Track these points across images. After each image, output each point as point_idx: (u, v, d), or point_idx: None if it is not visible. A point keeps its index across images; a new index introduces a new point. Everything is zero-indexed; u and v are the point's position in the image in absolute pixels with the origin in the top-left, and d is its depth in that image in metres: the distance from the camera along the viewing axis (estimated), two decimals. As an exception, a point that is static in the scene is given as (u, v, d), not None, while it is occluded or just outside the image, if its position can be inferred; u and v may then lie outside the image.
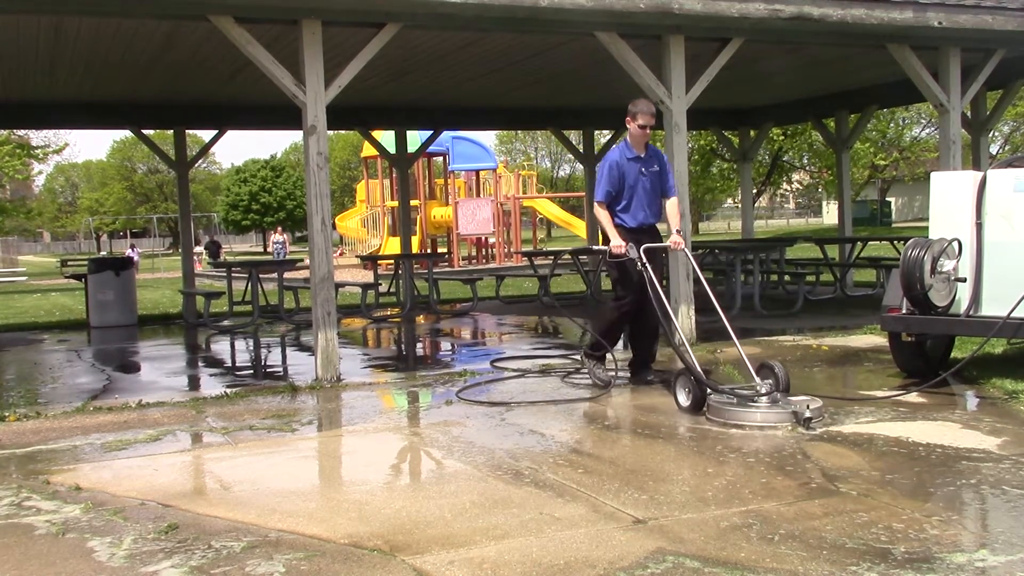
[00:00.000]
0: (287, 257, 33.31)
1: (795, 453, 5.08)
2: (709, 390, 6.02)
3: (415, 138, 19.71)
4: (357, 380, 8.00)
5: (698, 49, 9.08)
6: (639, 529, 3.94)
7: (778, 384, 5.92)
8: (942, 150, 10.53)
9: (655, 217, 7.19)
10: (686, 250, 7.41)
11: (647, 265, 6.65)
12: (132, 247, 40.36)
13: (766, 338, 9.47)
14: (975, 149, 13.75)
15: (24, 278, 33.69)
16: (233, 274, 14.54)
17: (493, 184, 32.85)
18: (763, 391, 5.85)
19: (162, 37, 9.17)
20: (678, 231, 7.12)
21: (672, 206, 7.22)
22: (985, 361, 7.57)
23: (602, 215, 7.05)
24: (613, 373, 7.27)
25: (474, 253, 32.33)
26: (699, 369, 6.18)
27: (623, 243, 6.81)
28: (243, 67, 10.07)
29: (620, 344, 7.88)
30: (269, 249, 34.71)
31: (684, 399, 6.17)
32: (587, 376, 7.91)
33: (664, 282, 7.01)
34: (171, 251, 60.43)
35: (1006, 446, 5.11)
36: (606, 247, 6.92)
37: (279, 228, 38.55)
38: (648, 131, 7.04)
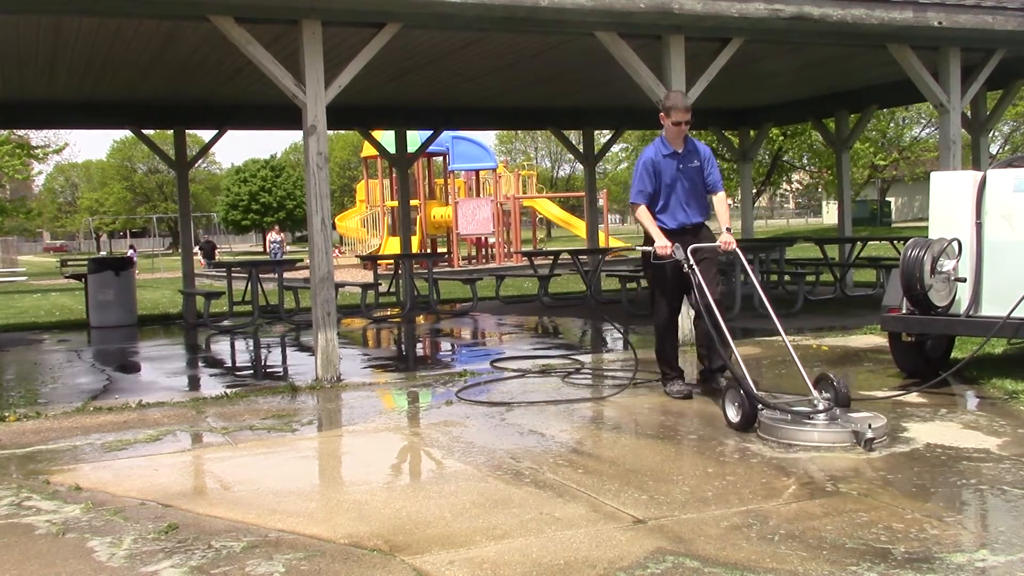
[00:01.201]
0: (284, 257, 33.14)
1: (794, 451, 5.08)
2: (761, 406, 5.52)
3: (415, 138, 19.71)
4: (357, 380, 8.00)
5: (698, 49, 9.08)
6: (639, 529, 3.94)
7: (837, 399, 5.41)
8: (942, 150, 10.53)
9: (700, 216, 6.70)
10: (738, 250, 6.71)
11: (695, 267, 6.20)
12: (131, 247, 40.27)
13: (766, 338, 9.47)
14: (975, 149, 13.75)
15: (24, 278, 33.69)
16: (233, 274, 14.54)
17: (493, 184, 32.86)
18: (820, 407, 5.36)
19: (162, 37, 9.17)
20: (728, 229, 6.57)
21: (719, 202, 6.72)
22: (985, 361, 7.57)
23: (643, 215, 6.59)
24: (685, 387, 6.75)
25: (474, 253, 32.33)
26: (750, 382, 5.61)
27: (668, 243, 6.36)
28: (243, 67, 10.08)
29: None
30: (267, 248, 34.30)
31: (734, 414, 5.62)
32: (587, 376, 7.92)
33: (718, 287, 6.52)
34: (171, 251, 60.45)
35: (1006, 446, 5.11)
36: (651, 248, 6.49)
37: (276, 227, 38.30)
38: (684, 127, 6.63)
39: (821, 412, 5.32)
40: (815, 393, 5.50)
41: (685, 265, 6.22)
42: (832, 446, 5.10)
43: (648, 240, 6.59)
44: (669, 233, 6.51)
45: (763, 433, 5.39)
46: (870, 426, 5.09)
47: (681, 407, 6.43)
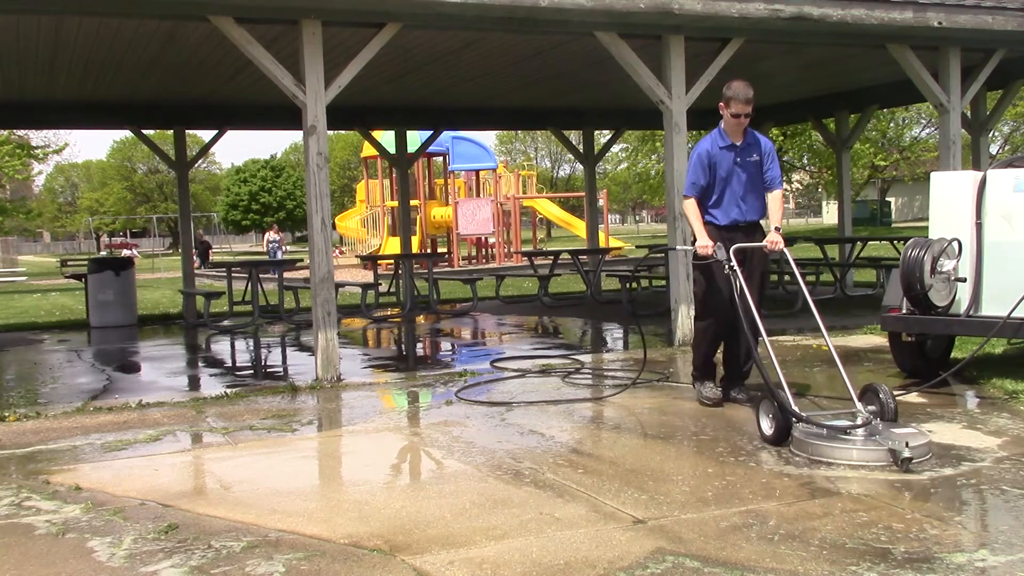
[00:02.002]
0: (283, 256, 32.92)
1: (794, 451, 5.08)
2: (795, 419, 5.14)
3: (415, 138, 19.71)
4: (357, 380, 8.00)
5: (698, 49, 9.09)
6: (639, 529, 3.94)
7: (882, 412, 5.08)
8: (942, 150, 10.54)
9: (755, 214, 6.28)
10: (786, 251, 6.18)
11: (736, 268, 5.80)
12: (131, 247, 40.14)
13: (766, 338, 9.45)
14: (975, 149, 13.76)
15: (24, 278, 33.69)
16: (233, 274, 14.53)
17: (493, 184, 32.85)
18: (859, 421, 4.98)
19: (162, 37, 9.17)
20: (777, 229, 6.13)
21: (774, 200, 6.28)
22: (985, 361, 7.57)
23: (690, 211, 6.24)
24: (717, 392, 6.41)
25: (474, 253, 32.32)
26: (786, 393, 5.26)
27: (710, 243, 6.00)
28: (243, 67, 10.08)
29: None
30: (264, 247, 33.91)
31: (767, 427, 5.28)
32: (587, 376, 7.92)
33: (762, 290, 6.16)
34: (171, 251, 60.44)
35: (1006, 446, 5.11)
36: (692, 247, 6.14)
37: (274, 226, 37.98)
38: (744, 120, 6.17)
39: (859, 427, 4.93)
40: (859, 405, 5.11)
41: (726, 266, 5.86)
42: (867, 465, 4.72)
43: (693, 239, 6.29)
44: (720, 229, 6.15)
45: (795, 449, 5.03)
46: (907, 444, 4.67)
47: (681, 407, 6.43)
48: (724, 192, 6.22)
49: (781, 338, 9.46)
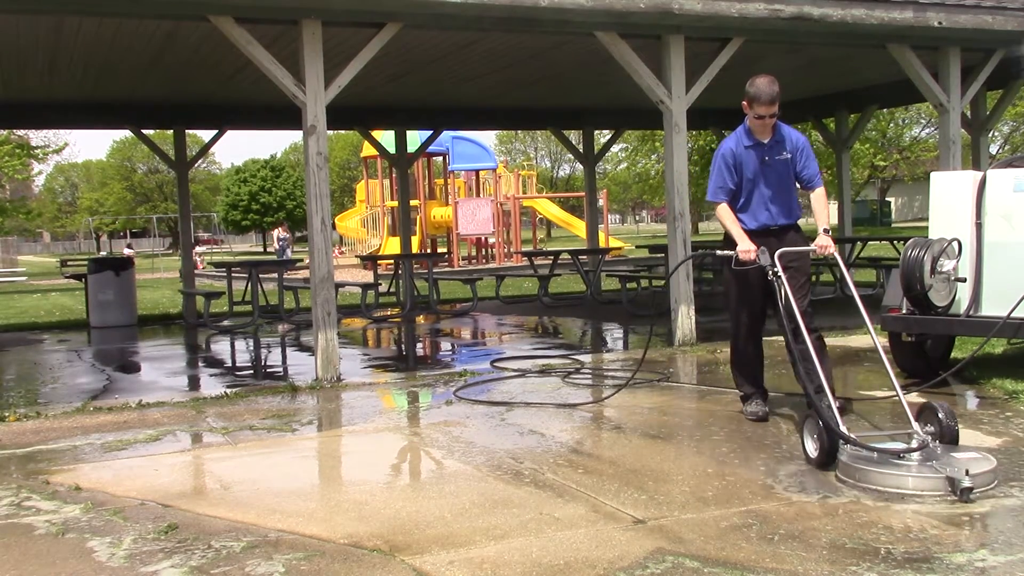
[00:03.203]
0: (291, 255, 32.53)
1: (793, 450, 5.08)
2: (842, 441, 4.63)
3: (415, 138, 19.71)
4: (357, 380, 8.00)
5: (698, 49, 9.09)
6: (639, 529, 3.94)
7: (941, 434, 4.63)
8: (942, 150, 10.54)
9: (787, 217, 5.82)
10: (836, 254, 5.63)
11: (782, 275, 5.31)
12: (129, 246, 39.97)
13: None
14: (975, 149, 13.76)
15: (24, 278, 33.69)
16: (233, 274, 14.53)
17: (493, 184, 32.85)
18: (914, 444, 4.48)
19: (162, 37, 9.17)
20: (826, 230, 5.58)
21: (817, 199, 5.79)
22: (985, 361, 7.57)
23: (724, 214, 5.75)
24: (763, 408, 5.96)
25: (474, 253, 32.32)
26: (832, 411, 4.74)
27: (752, 247, 5.49)
28: (243, 67, 10.08)
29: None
30: (273, 246, 33.25)
31: (812, 448, 4.77)
32: (587, 376, 7.92)
33: (806, 298, 5.67)
34: (171, 251, 60.41)
35: (1006, 446, 5.11)
36: (731, 252, 5.64)
37: (284, 224, 37.55)
38: (768, 121, 5.67)
39: (914, 450, 4.44)
40: (916, 426, 4.61)
41: (770, 272, 5.36)
42: (921, 494, 4.22)
43: (728, 242, 5.81)
44: (749, 235, 5.67)
45: (841, 474, 4.52)
46: (967, 472, 4.14)
47: (681, 407, 6.43)
48: (752, 195, 5.77)
49: (781, 338, 9.40)
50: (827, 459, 4.65)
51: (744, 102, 5.72)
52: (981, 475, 4.27)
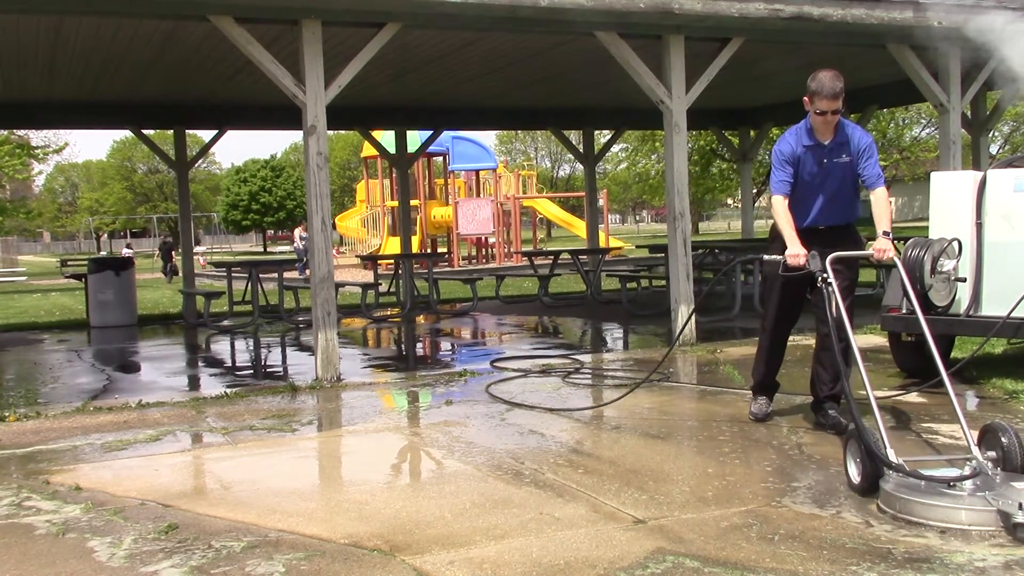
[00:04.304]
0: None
1: (793, 450, 5.08)
2: (885, 467, 4.18)
3: (415, 138, 19.71)
4: (357, 380, 8.00)
5: (698, 49, 9.09)
6: (639, 529, 3.94)
7: (1004, 460, 4.09)
8: (942, 150, 10.54)
9: (839, 218, 5.57)
10: (896, 259, 5.38)
11: (832, 282, 4.99)
12: (128, 246, 39.78)
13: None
14: (975, 149, 13.76)
15: (24, 278, 33.68)
16: (233, 274, 14.53)
17: (493, 184, 32.85)
18: (967, 472, 4.03)
19: (162, 37, 9.17)
20: (885, 233, 5.25)
21: (877, 200, 5.37)
22: (985, 361, 7.57)
23: (780, 213, 5.42)
24: (764, 406, 5.91)
25: (474, 253, 32.32)
26: (881, 432, 4.29)
27: (802, 252, 5.17)
28: (243, 67, 10.08)
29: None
30: (295, 244, 32.22)
31: (855, 473, 4.34)
32: (587, 376, 7.91)
33: (846, 301, 5.26)
34: (175, 250, 60.35)
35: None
36: (779, 257, 5.30)
37: (303, 223, 36.97)
38: (831, 117, 5.38)
39: (966, 479, 3.98)
40: (976, 451, 4.15)
41: (820, 279, 5.04)
42: (968, 529, 3.77)
43: (775, 239, 5.56)
44: (797, 233, 5.37)
45: (883, 504, 4.07)
46: (1021, 506, 3.66)
47: (681, 407, 6.43)
48: (806, 194, 5.51)
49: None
50: (870, 486, 4.22)
51: (805, 97, 5.45)
52: None
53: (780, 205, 5.43)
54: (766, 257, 5.50)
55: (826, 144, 5.45)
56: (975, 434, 4.29)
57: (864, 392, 4.58)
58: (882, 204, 5.39)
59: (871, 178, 5.45)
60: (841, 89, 5.34)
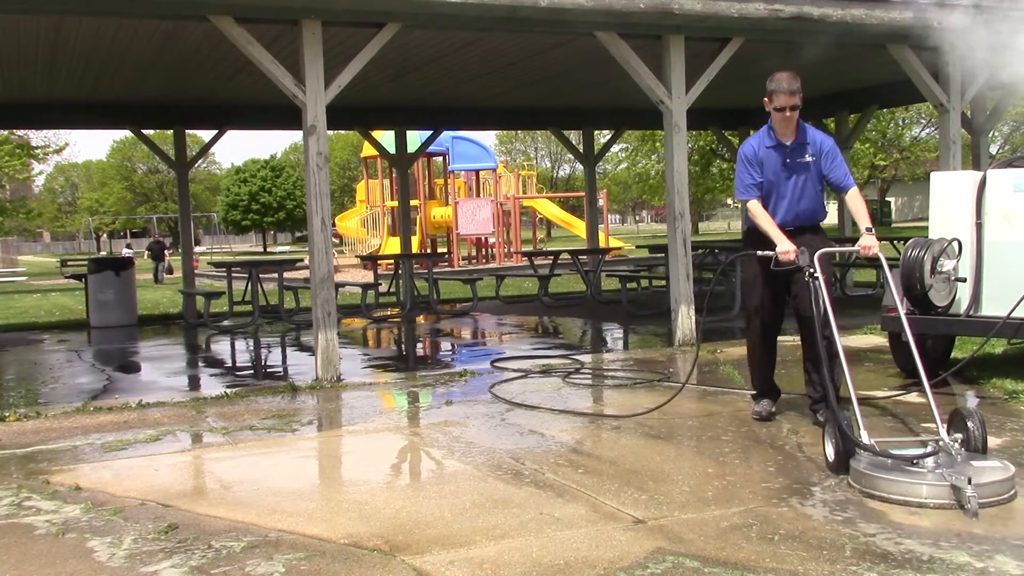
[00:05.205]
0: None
1: (793, 450, 5.08)
2: (856, 447, 4.52)
3: (415, 138, 19.71)
4: (357, 380, 8.00)
5: (698, 49, 9.09)
6: (639, 529, 3.94)
7: (968, 442, 4.46)
8: (942, 150, 10.54)
9: (807, 218, 5.70)
10: (881, 256, 5.46)
11: (819, 276, 5.17)
12: (128, 246, 39.78)
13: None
14: (975, 149, 13.74)
15: (24, 278, 33.69)
16: (233, 274, 14.53)
17: (493, 184, 32.84)
18: (928, 449, 4.35)
19: (162, 37, 9.17)
20: (869, 230, 5.38)
21: (852, 200, 5.61)
22: (985, 361, 7.57)
23: (757, 211, 5.57)
24: (769, 408, 5.92)
25: (474, 253, 32.32)
26: (856, 415, 4.66)
27: (792, 247, 5.33)
28: (243, 67, 10.08)
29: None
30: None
31: (830, 452, 4.69)
32: (588, 377, 7.92)
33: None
34: (171, 251, 60.38)
35: (1006, 446, 5.11)
36: (771, 252, 5.44)
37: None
38: (789, 114, 5.53)
39: (928, 456, 4.28)
40: (943, 433, 4.47)
41: (807, 273, 5.22)
42: (926, 502, 4.08)
43: (753, 239, 5.71)
44: (764, 237, 5.54)
45: (852, 480, 4.42)
46: (969, 481, 3.98)
47: (681, 407, 6.43)
48: (771, 195, 5.64)
49: (781, 338, 9.40)
50: (841, 464, 4.57)
51: (765, 99, 5.61)
52: (989, 485, 4.09)
53: (757, 207, 5.59)
54: (759, 253, 5.56)
55: (788, 144, 5.60)
56: (945, 417, 4.60)
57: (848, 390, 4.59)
58: (858, 202, 5.59)
59: (840, 179, 5.63)
60: (798, 88, 5.54)
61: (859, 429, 4.58)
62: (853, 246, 5.50)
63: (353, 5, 7.74)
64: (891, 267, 5.74)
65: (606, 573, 3.46)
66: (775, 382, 6.05)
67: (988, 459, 4.40)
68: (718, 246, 15.21)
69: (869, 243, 5.32)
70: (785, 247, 5.35)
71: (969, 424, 4.50)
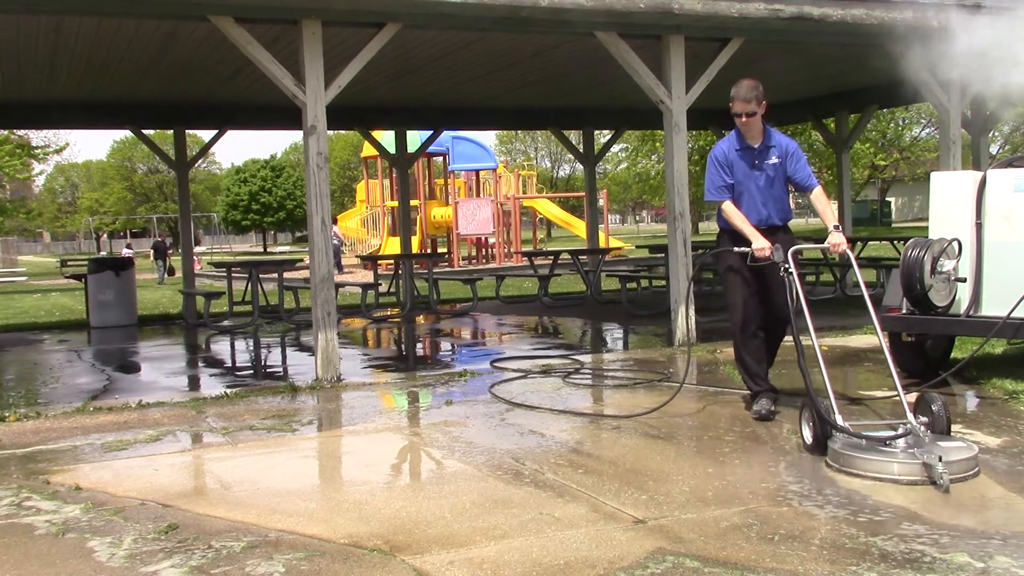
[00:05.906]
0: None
1: (793, 450, 5.08)
2: (832, 429, 4.85)
3: (415, 138, 19.71)
4: (357, 380, 8.00)
5: (698, 49, 9.09)
6: (639, 529, 3.94)
7: (933, 424, 4.82)
8: (942, 150, 10.53)
9: (778, 218, 5.98)
10: (849, 253, 5.69)
11: (794, 272, 5.46)
12: (128, 246, 39.79)
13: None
14: (975, 149, 13.75)
15: (24, 278, 33.69)
16: (233, 274, 14.53)
17: (493, 184, 32.85)
18: (899, 431, 4.69)
19: (162, 37, 9.17)
20: (836, 227, 5.63)
21: (817, 199, 5.91)
22: (985, 361, 7.57)
23: (731, 212, 5.86)
24: (769, 406, 5.93)
25: (474, 253, 32.32)
26: (830, 400, 4.96)
27: (767, 244, 5.62)
28: (243, 67, 10.08)
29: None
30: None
31: (808, 435, 5.03)
32: (588, 377, 7.92)
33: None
34: (171, 251, 60.38)
35: (1006, 446, 5.11)
36: (747, 249, 5.72)
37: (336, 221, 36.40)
38: (748, 120, 5.82)
39: (899, 437, 4.63)
40: (910, 416, 4.78)
41: (781, 269, 5.49)
42: (897, 478, 4.42)
43: (728, 239, 5.96)
44: (736, 235, 5.85)
45: (830, 460, 4.74)
46: (940, 459, 4.32)
47: (681, 407, 6.43)
48: (741, 197, 5.92)
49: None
50: (818, 446, 4.89)
51: (730, 103, 5.86)
52: (957, 463, 4.43)
53: (731, 208, 5.89)
54: (736, 249, 5.83)
55: (756, 147, 5.92)
56: (911, 402, 4.97)
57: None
58: (823, 201, 5.90)
59: (805, 179, 5.94)
60: (756, 96, 5.83)
61: (834, 413, 4.89)
62: (823, 243, 5.71)
63: (353, 5, 7.74)
64: (860, 266, 5.85)
65: (606, 573, 3.46)
66: (769, 381, 6.07)
67: (952, 440, 4.77)
68: (714, 245, 15.17)
69: (837, 240, 5.58)
70: (761, 243, 5.64)
71: (934, 408, 4.87)
